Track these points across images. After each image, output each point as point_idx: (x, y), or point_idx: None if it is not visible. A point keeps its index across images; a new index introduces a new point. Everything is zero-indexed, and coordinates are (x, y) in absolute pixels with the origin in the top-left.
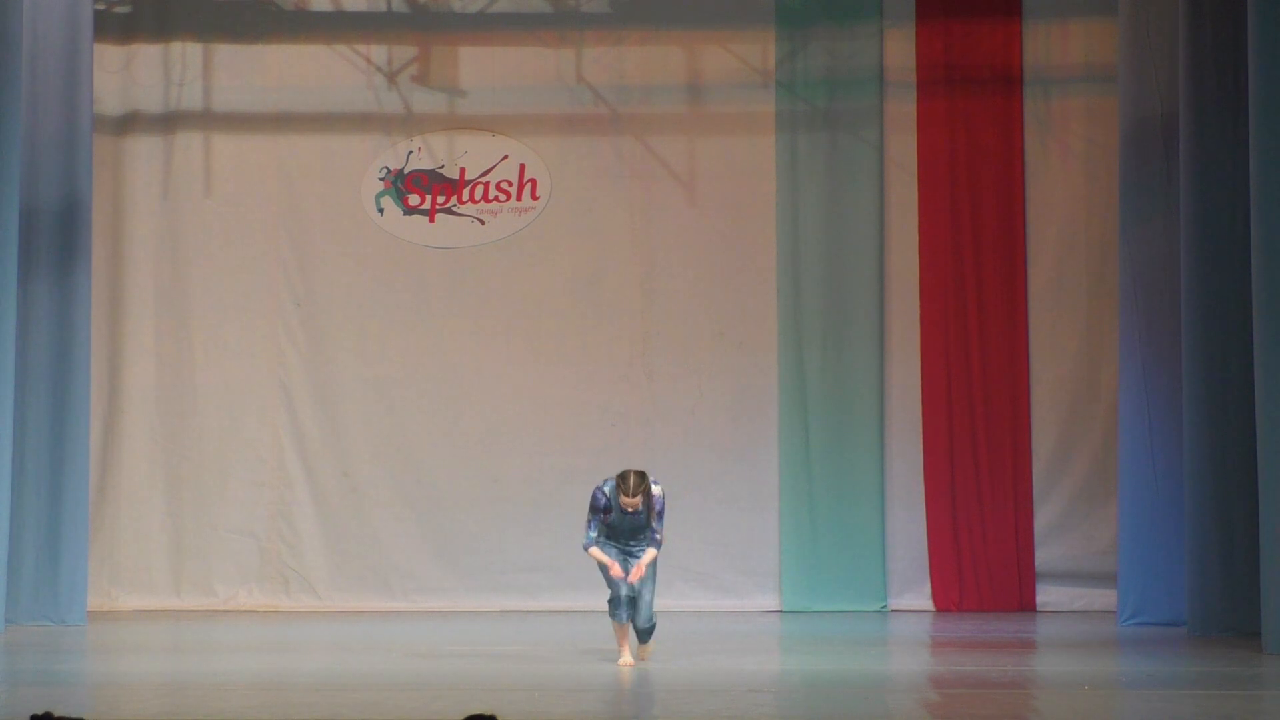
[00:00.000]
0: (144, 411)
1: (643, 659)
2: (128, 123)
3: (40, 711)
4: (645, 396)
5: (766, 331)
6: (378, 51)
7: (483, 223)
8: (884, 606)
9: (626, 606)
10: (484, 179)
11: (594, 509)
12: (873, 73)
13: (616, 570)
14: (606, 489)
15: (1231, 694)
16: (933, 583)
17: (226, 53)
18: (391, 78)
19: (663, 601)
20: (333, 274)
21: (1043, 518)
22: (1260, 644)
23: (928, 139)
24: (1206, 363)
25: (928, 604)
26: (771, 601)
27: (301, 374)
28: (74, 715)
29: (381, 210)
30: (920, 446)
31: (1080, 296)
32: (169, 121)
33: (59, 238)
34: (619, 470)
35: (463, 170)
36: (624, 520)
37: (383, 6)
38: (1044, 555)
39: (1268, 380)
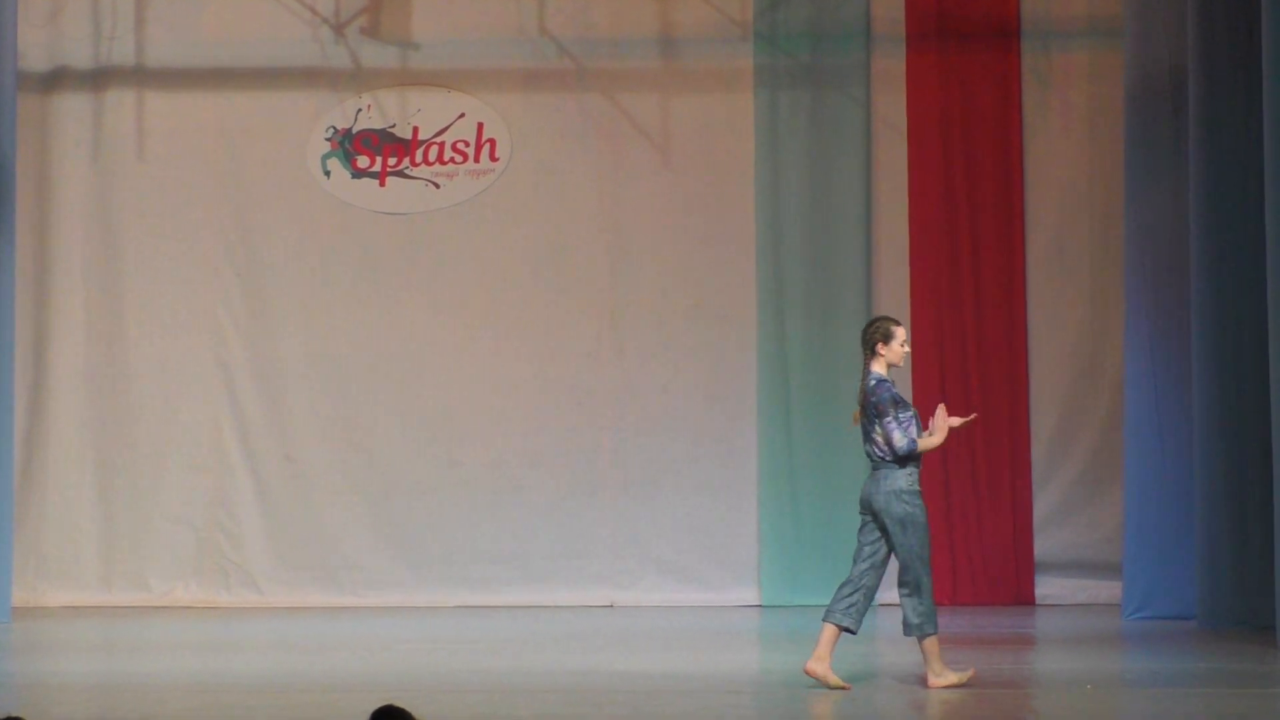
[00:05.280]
0: (72, 391)
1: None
2: (54, 79)
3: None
4: (614, 374)
5: (745, 304)
6: (324, 1)
7: (437, 186)
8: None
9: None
10: (439, 139)
11: (897, 403)
12: (859, 25)
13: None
14: (882, 379)
15: (1244, 692)
16: None
17: (161, 3)
18: (339, 29)
19: (633, 595)
20: (276, 242)
21: (1042, 504)
22: (1275, 638)
23: (918, 96)
24: (1218, 336)
25: None
26: (750, 595)
27: (242, 350)
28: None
29: (328, 173)
30: None
31: (1083, 265)
32: (99, 78)
33: None
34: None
35: (416, 130)
36: None
37: None
38: (1044, 544)
39: None
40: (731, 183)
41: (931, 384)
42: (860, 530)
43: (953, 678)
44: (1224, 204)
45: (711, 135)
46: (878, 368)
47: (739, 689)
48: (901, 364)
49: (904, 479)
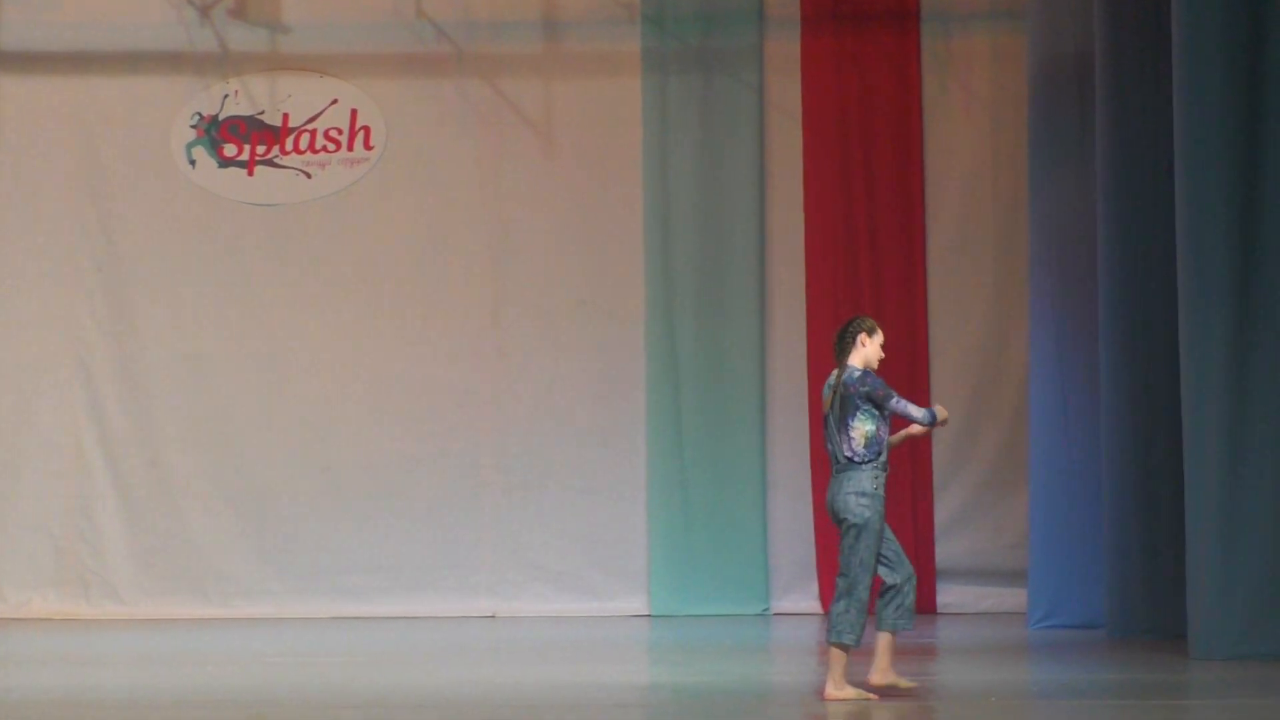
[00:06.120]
0: None
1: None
2: None
3: None
4: (497, 373)
5: (633, 299)
6: None
7: (309, 176)
8: (766, 609)
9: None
10: (310, 126)
11: (887, 384)
12: (752, 7)
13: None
14: (866, 370)
15: (1155, 703)
16: (820, 582)
17: None
18: (205, 11)
19: (517, 604)
20: (139, 235)
21: (944, 509)
22: (1186, 648)
23: (814, 82)
24: (1127, 331)
25: (815, 606)
26: (639, 604)
27: (103, 349)
28: None
29: (193, 162)
30: (807, 430)
31: (985, 258)
32: None
33: None
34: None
35: (286, 116)
36: None
37: None
38: (945, 551)
39: (1194, 353)
40: (618, 172)
41: None
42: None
43: (851, 693)
44: (1132, 194)
45: (598, 123)
46: (856, 362)
47: (626, 703)
48: (876, 366)
49: (868, 480)
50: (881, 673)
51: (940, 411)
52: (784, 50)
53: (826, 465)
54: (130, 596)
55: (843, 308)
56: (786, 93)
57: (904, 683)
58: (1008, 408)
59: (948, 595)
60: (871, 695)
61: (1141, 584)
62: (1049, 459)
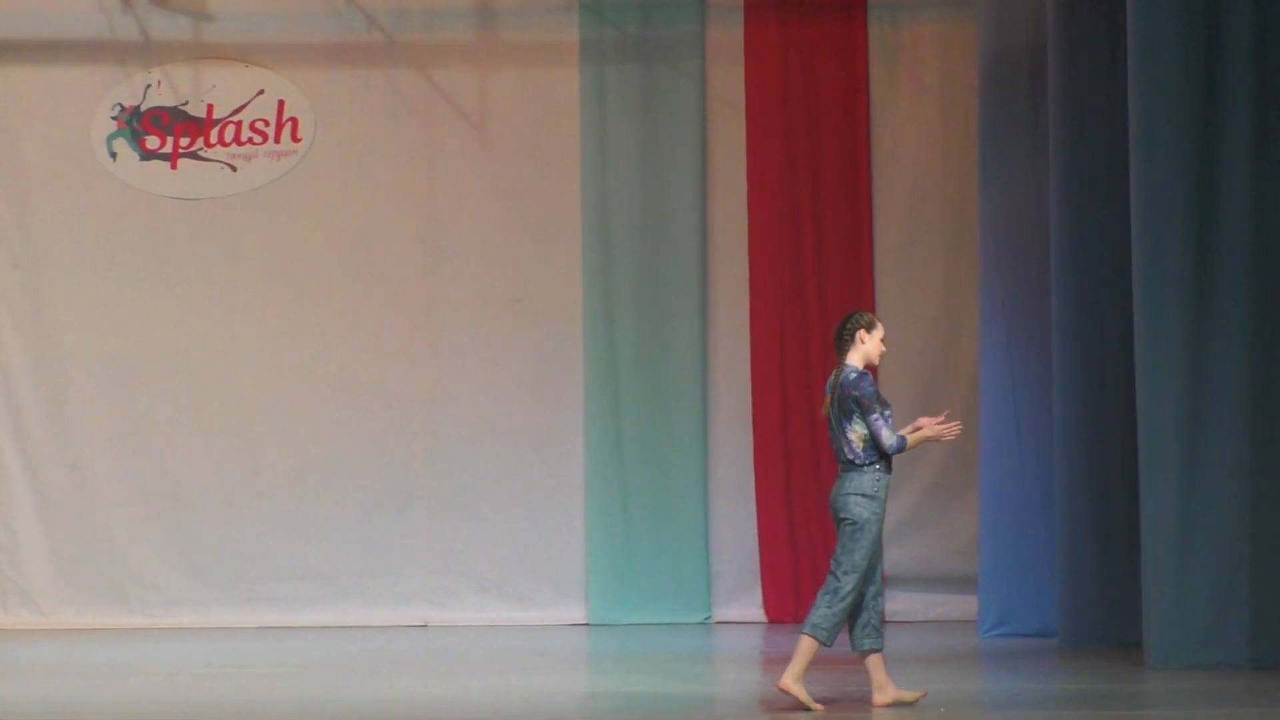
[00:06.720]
0: None
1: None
2: None
3: None
4: (429, 375)
5: (571, 298)
6: None
7: (234, 169)
8: (708, 618)
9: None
10: (236, 118)
11: (880, 399)
12: None
13: (946, 429)
14: (863, 371)
15: (1110, 714)
16: (764, 590)
17: None
18: None
19: (450, 613)
20: (58, 230)
21: (891, 514)
22: (1141, 657)
23: (757, 71)
24: (1080, 332)
25: (759, 615)
26: (577, 613)
27: (20, 349)
28: None
29: (114, 155)
30: (750, 433)
31: (934, 255)
32: None
33: None
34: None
35: (210, 107)
36: None
37: None
38: (893, 557)
39: (1150, 353)
40: (555, 166)
41: (772, 383)
42: None
43: (804, 695)
44: (1085, 189)
45: (534, 114)
46: (855, 360)
47: (564, 714)
48: (878, 362)
49: (869, 482)
50: (881, 689)
51: (913, 437)
52: (727, 39)
53: (770, 468)
54: (49, 605)
55: (788, 306)
56: (729, 83)
57: (909, 695)
58: (957, 408)
59: (896, 603)
60: (817, 706)
61: (1095, 591)
62: (1000, 461)
